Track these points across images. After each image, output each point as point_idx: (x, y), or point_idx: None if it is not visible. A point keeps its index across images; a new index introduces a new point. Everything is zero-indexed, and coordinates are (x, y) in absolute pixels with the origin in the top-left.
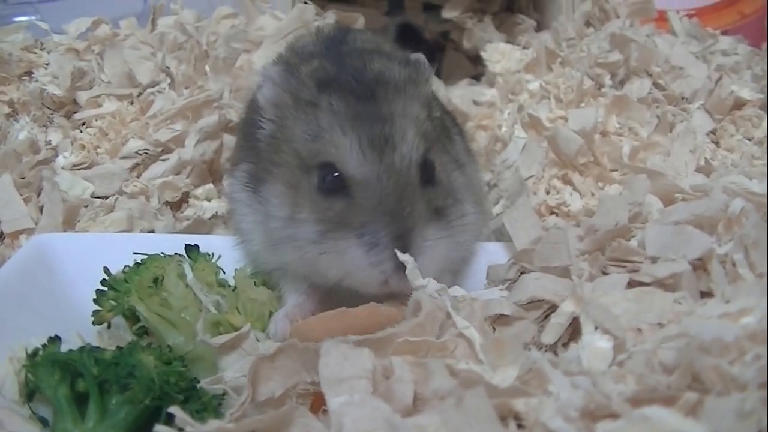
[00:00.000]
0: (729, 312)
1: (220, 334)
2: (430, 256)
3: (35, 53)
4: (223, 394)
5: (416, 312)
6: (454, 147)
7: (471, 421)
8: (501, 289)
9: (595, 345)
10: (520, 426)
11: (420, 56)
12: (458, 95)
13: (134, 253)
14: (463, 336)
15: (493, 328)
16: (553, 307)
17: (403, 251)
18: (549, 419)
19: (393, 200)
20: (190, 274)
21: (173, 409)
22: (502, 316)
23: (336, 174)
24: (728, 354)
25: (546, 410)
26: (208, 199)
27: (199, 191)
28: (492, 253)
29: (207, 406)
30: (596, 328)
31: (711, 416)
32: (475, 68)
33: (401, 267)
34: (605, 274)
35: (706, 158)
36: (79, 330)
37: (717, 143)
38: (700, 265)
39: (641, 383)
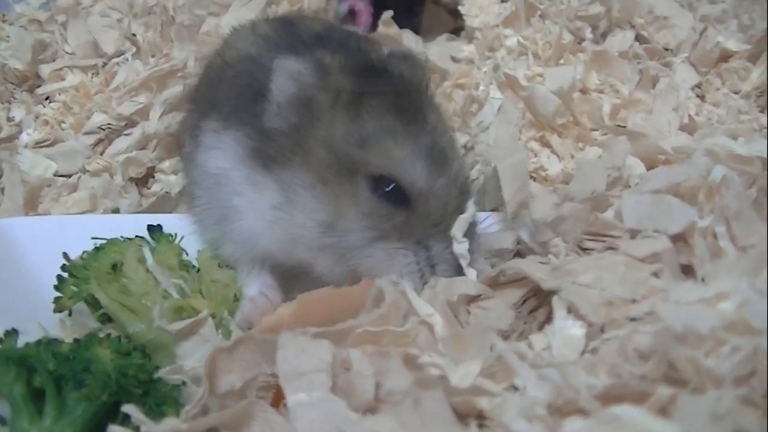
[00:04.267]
0: (706, 297)
1: (183, 319)
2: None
3: None
4: (183, 383)
5: (379, 302)
6: None
7: (428, 423)
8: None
9: (567, 332)
10: (481, 426)
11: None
12: (436, 52)
13: (93, 238)
14: (426, 323)
15: (468, 311)
16: (533, 290)
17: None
18: (511, 420)
19: (454, 214)
20: (150, 259)
21: (127, 408)
22: (477, 298)
23: (394, 186)
24: (704, 345)
25: (509, 410)
26: (175, 173)
27: (166, 165)
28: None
29: (167, 399)
30: (569, 311)
31: (684, 415)
32: (456, 21)
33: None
34: (582, 248)
35: (690, 115)
36: (42, 318)
37: (702, 98)
38: (680, 237)
39: (613, 374)
